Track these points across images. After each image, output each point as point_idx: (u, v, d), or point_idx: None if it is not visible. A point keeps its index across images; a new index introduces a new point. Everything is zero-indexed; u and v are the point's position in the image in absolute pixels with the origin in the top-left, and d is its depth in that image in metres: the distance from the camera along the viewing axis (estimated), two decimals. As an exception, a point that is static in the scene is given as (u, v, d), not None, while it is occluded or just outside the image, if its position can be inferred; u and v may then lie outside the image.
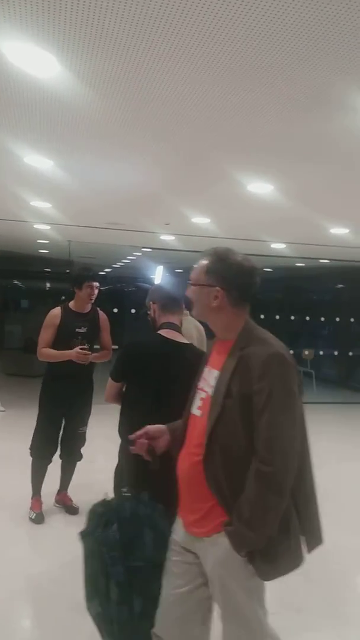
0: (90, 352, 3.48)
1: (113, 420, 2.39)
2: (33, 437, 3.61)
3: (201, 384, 1.70)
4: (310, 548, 1.63)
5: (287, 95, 2.47)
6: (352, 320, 10.72)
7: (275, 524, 1.48)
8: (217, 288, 1.60)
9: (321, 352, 10.71)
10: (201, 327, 3.34)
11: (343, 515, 4.01)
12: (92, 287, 3.53)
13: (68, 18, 1.89)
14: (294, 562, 1.57)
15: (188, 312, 3.36)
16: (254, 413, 1.48)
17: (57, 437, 3.63)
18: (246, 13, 1.82)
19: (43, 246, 9.29)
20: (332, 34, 1.93)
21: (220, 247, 1.67)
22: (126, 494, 1.84)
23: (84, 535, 1.75)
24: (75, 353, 3.40)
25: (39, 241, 8.58)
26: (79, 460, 3.75)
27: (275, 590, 2.89)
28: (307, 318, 11.12)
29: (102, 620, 1.70)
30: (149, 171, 4.01)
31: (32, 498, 3.64)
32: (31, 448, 3.61)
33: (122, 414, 2.43)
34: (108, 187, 4.54)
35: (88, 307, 3.62)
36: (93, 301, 3.60)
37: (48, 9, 1.83)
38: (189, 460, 1.62)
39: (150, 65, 2.24)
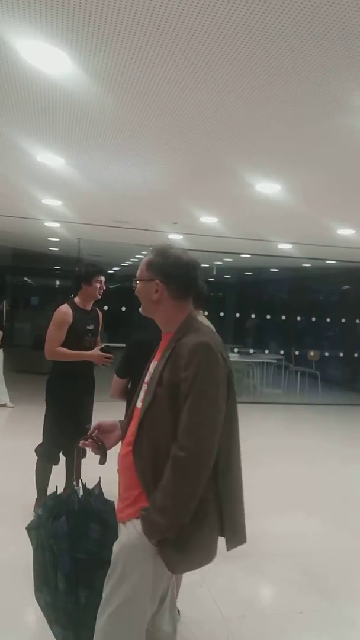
0: (112, 356, 3.40)
1: (115, 417, 2.45)
2: (44, 441, 3.56)
3: (147, 378, 1.72)
4: (231, 546, 1.63)
5: (296, 94, 2.54)
6: (357, 321, 10.72)
7: (187, 513, 1.47)
8: (157, 281, 1.65)
9: (327, 353, 10.72)
10: (212, 327, 3.39)
11: (348, 517, 4.05)
12: (101, 282, 3.55)
13: (81, 16, 1.96)
14: (206, 557, 1.57)
15: (201, 311, 3.42)
16: (180, 402, 1.50)
17: (64, 438, 3.55)
18: (264, 15, 1.88)
19: (53, 244, 9.41)
20: (344, 34, 1.99)
21: (161, 243, 1.73)
22: (76, 488, 1.87)
23: (32, 528, 1.80)
24: (98, 356, 3.38)
25: (49, 239, 8.69)
26: (84, 457, 3.76)
27: (278, 590, 2.98)
28: (313, 319, 11.13)
29: (51, 609, 1.75)
30: (158, 170, 4.08)
31: (39, 502, 3.51)
32: (40, 451, 3.56)
33: (128, 410, 2.49)
34: (117, 185, 4.62)
35: (91, 304, 3.62)
36: (101, 297, 3.58)
37: (62, 6, 1.91)
38: (124, 449, 1.65)
39: (161, 65, 2.31)
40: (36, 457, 3.60)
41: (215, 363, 1.53)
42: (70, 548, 1.68)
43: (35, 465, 3.59)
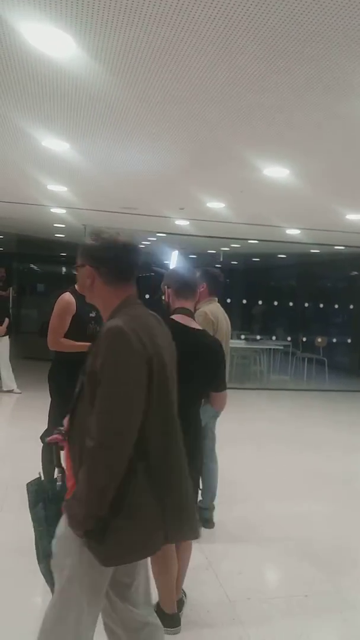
0: None
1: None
2: (49, 428, 3.52)
3: None
4: (175, 539, 1.60)
5: (304, 78, 2.48)
6: (366, 307, 10.66)
7: (101, 504, 1.41)
8: (87, 267, 1.61)
9: (334, 340, 10.68)
10: (226, 316, 3.40)
11: (353, 503, 4.08)
12: None
13: None
14: (142, 551, 1.52)
15: (217, 299, 3.41)
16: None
17: None
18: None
19: (59, 230, 9.38)
20: (350, 18, 1.94)
21: (97, 227, 1.68)
22: (58, 475, 1.93)
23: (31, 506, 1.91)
24: None
25: (55, 225, 8.66)
26: None
27: (283, 574, 3.01)
28: (321, 305, 11.07)
29: (46, 577, 1.86)
30: (163, 155, 4.03)
31: None
32: (44, 438, 3.62)
33: None
34: (123, 170, 4.58)
35: None
36: None
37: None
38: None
39: (168, 50, 2.26)
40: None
41: (126, 347, 1.43)
42: (48, 532, 1.75)
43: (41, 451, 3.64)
